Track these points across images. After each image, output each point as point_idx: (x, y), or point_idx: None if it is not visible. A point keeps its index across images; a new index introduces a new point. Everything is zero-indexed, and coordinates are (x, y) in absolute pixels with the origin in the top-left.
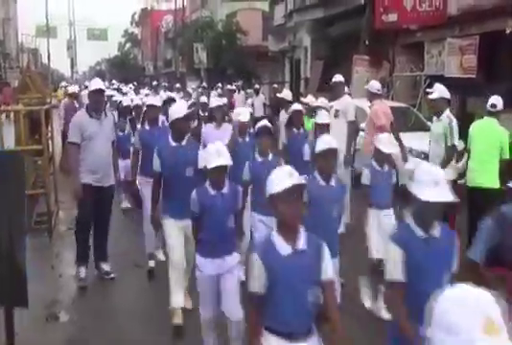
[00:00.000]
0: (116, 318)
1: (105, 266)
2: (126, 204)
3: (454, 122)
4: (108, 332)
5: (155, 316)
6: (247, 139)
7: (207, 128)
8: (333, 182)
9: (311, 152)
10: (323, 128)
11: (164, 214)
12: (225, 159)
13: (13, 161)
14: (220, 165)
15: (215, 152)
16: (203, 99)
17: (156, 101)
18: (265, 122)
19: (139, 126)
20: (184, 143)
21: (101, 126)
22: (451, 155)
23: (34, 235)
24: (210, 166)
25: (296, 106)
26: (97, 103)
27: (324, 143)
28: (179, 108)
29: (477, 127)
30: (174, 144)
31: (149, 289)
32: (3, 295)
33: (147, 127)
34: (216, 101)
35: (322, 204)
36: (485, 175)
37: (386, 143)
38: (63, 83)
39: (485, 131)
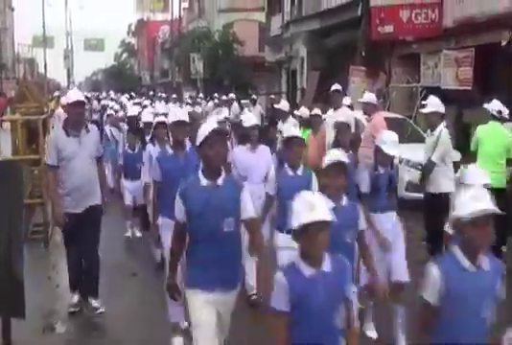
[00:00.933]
0: (113, 329)
1: (94, 302)
2: (132, 232)
3: (446, 136)
4: (105, 343)
5: (154, 328)
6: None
7: (239, 152)
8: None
9: None
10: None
11: (189, 282)
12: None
13: (12, 170)
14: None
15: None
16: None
17: (184, 115)
18: (295, 131)
19: (151, 146)
20: (221, 182)
21: (80, 145)
22: (428, 169)
23: (30, 245)
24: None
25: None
26: (76, 119)
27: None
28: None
29: (483, 131)
30: (205, 183)
31: (146, 300)
32: (0, 306)
33: (169, 152)
34: (250, 118)
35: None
36: (494, 176)
37: (391, 144)
38: (56, 93)
39: (492, 134)
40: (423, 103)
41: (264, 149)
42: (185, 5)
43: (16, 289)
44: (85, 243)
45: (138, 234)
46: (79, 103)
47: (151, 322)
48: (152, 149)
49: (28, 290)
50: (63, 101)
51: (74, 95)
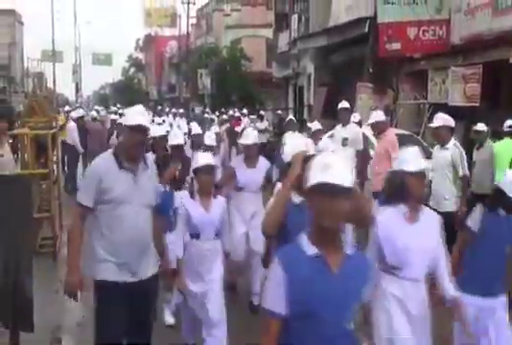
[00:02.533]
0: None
1: None
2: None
3: (463, 151)
4: None
5: (161, 341)
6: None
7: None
8: None
9: None
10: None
11: None
12: None
13: (21, 185)
14: None
15: None
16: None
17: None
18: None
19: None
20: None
21: (136, 184)
22: (465, 185)
23: (38, 259)
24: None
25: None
26: (135, 148)
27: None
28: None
29: (501, 146)
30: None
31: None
32: (9, 320)
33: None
34: (252, 136)
35: None
36: None
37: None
38: (67, 108)
39: (508, 149)
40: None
41: (261, 166)
42: (193, 21)
43: (25, 304)
44: (131, 335)
45: None
46: (141, 129)
47: (161, 334)
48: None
49: (36, 304)
50: (73, 115)
51: (135, 116)
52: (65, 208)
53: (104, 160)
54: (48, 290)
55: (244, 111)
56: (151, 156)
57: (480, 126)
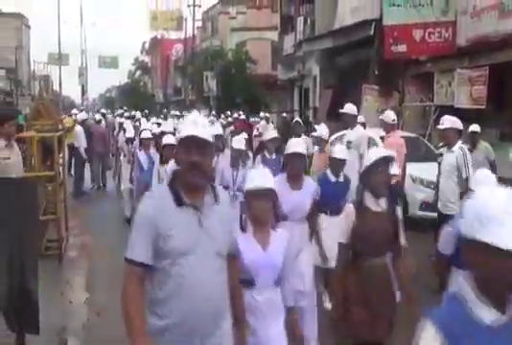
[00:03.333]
0: None
1: None
2: None
3: (468, 154)
4: None
5: None
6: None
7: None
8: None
9: None
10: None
11: None
12: None
13: (27, 187)
14: None
15: None
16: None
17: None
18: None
19: None
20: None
21: (202, 227)
22: (465, 188)
23: (44, 261)
24: None
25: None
26: (191, 172)
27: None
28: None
29: None
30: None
31: None
32: (15, 322)
33: None
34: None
35: None
36: None
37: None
38: (74, 111)
39: None
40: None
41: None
42: (198, 24)
43: (31, 306)
44: None
45: None
46: (197, 143)
47: None
48: None
49: (41, 306)
50: (79, 117)
51: (188, 126)
52: (71, 210)
53: (156, 197)
54: (53, 292)
55: (262, 114)
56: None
57: (475, 127)
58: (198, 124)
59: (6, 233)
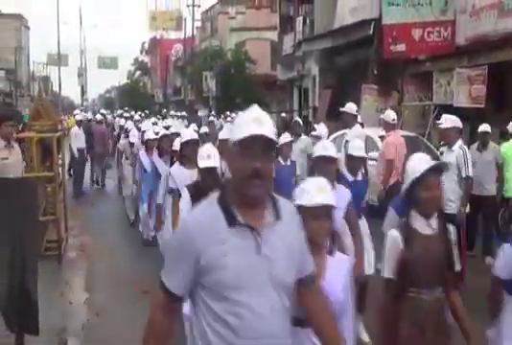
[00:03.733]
0: None
1: None
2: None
3: (468, 152)
4: None
5: None
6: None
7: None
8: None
9: None
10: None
11: None
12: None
13: (26, 188)
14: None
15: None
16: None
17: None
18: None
19: None
20: None
21: (260, 254)
22: (468, 186)
23: (43, 262)
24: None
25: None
26: (252, 183)
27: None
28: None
29: (508, 146)
30: None
31: None
32: (14, 322)
33: None
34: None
35: None
36: None
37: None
38: (76, 111)
39: None
40: (437, 122)
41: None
42: (198, 24)
43: (30, 307)
44: None
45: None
46: (261, 144)
47: None
48: None
49: (41, 307)
50: (78, 118)
51: (249, 124)
52: (70, 211)
53: (201, 214)
54: (53, 293)
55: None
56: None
57: (485, 127)
58: (263, 121)
59: (6, 233)
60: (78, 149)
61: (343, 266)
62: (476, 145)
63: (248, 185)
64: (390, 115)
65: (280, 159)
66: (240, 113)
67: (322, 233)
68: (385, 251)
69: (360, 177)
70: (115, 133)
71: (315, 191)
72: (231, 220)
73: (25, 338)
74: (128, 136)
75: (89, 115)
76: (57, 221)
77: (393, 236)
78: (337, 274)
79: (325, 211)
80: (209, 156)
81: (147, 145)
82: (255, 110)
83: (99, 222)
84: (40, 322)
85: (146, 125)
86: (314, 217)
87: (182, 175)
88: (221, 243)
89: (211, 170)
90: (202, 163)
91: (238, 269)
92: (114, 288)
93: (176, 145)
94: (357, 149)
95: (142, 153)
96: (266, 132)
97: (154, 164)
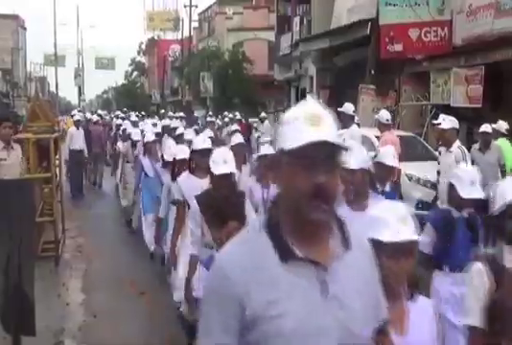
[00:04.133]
0: None
1: None
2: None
3: (467, 152)
4: None
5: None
6: None
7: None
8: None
9: None
10: None
11: None
12: None
13: (23, 189)
14: None
15: None
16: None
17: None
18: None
19: None
20: None
21: (327, 298)
22: None
23: (40, 263)
24: None
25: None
26: (320, 208)
27: None
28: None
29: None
30: None
31: (156, 318)
32: (11, 324)
33: None
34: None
35: None
36: None
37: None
38: (74, 112)
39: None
40: (434, 122)
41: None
42: (195, 24)
43: (27, 308)
44: None
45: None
46: (320, 156)
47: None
48: None
49: (38, 308)
50: (75, 118)
51: (302, 129)
52: (67, 212)
53: (243, 246)
54: (50, 294)
55: (263, 115)
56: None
57: (486, 127)
58: (324, 121)
59: (2, 234)
60: (75, 150)
61: (429, 314)
62: (477, 145)
63: (309, 207)
64: (384, 115)
65: None
66: (291, 110)
67: (402, 275)
68: (469, 292)
69: (387, 188)
70: (112, 134)
71: (398, 222)
72: (286, 254)
73: (22, 340)
74: (126, 138)
75: (88, 115)
76: (54, 222)
77: (478, 271)
78: (421, 327)
79: (409, 248)
80: (225, 161)
81: (145, 147)
82: (310, 105)
83: (96, 223)
84: (37, 323)
85: (145, 126)
86: (395, 255)
87: (192, 186)
88: (273, 286)
89: (227, 176)
90: (218, 169)
91: (299, 318)
92: (111, 290)
93: (179, 153)
94: (389, 156)
95: (142, 156)
96: (328, 137)
97: (157, 171)
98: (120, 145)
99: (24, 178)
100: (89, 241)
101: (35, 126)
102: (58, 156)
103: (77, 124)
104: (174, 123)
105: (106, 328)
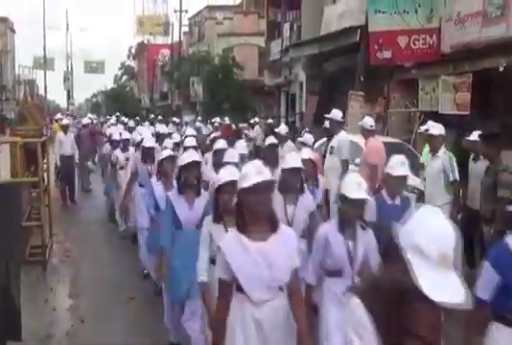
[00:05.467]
0: None
1: None
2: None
3: (453, 157)
4: None
5: None
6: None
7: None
8: None
9: None
10: None
11: None
12: None
13: (10, 193)
14: None
15: None
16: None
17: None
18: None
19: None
20: None
21: None
22: (457, 190)
23: (27, 267)
24: None
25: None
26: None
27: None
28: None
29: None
30: None
31: (144, 323)
32: None
33: None
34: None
35: None
36: None
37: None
38: (59, 115)
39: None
40: (421, 128)
41: None
42: (185, 29)
43: (13, 312)
44: None
45: None
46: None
47: None
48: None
49: (25, 313)
50: (63, 122)
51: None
52: (55, 216)
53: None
54: (37, 299)
55: (256, 119)
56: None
57: (474, 135)
58: None
59: None
60: (65, 156)
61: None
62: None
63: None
64: (368, 122)
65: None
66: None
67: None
68: None
69: (397, 201)
70: (104, 140)
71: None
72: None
73: (7, 344)
74: (127, 148)
75: (72, 120)
76: (41, 227)
77: None
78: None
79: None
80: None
81: (143, 154)
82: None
83: (84, 228)
84: (24, 328)
85: (143, 131)
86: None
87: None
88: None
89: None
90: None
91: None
92: (99, 295)
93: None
94: (395, 166)
95: (156, 181)
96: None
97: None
98: (119, 155)
99: (11, 182)
100: (77, 245)
101: (23, 129)
102: (45, 160)
103: (65, 129)
104: (165, 129)
105: (94, 333)
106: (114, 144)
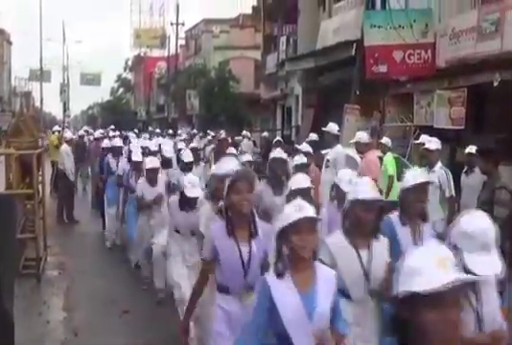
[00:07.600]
0: None
1: None
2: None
3: (449, 173)
4: None
5: None
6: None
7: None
8: None
9: None
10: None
11: None
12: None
13: (5, 205)
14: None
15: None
16: None
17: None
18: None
19: None
20: None
21: None
22: (452, 206)
23: (21, 280)
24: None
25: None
26: None
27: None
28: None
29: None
30: None
31: (138, 337)
32: None
33: None
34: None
35: None
36: None
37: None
38: (56, 127)
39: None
40: (415, 142)
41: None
42: (182, 42)
43: (6, 325)
44: None
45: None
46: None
47: None
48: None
49: (18, 326)
50: (67, 136)
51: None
52: (50, 229)
53: None
54: (31, 312)
55: (244, 133)
56: None
57: (471, 149)
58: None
59: None
60: (69, 171)
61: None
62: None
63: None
64: (364, 136)
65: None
66: None
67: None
68: None
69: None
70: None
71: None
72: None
73: None
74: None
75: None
76: (35, 239)
77: None
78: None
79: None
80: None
81: (135, 167)
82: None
83: (78, 241)
84: (17, 341)
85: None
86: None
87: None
88: None
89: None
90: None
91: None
92: (93, 308)
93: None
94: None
95: (173, 201)
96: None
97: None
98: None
99: (6, 194)
100: (71, 258)
101: (18, 141)
102: (40, 172)
103: (69, 143)
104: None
105: None
106: (137, 167)
